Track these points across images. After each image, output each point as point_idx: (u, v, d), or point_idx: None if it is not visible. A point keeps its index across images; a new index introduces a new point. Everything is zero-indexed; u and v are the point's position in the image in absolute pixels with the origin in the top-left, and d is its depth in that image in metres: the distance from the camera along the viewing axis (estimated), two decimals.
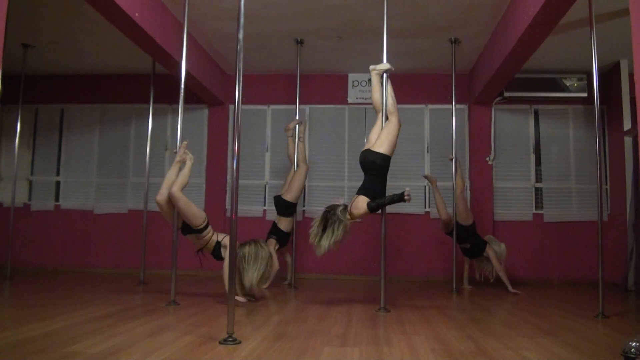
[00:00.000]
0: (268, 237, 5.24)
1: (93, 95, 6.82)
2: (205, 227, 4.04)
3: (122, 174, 6.69)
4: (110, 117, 6.82)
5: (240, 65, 2.80)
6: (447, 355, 2.41)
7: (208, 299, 4.26)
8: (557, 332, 3.05)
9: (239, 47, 2.81)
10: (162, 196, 3.99)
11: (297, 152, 5.42)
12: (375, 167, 3.88)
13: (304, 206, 6.34)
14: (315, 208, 6.35)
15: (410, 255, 6.23)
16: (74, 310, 3.46)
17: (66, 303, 3.83)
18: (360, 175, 4.02)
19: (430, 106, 6.47)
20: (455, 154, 5.43)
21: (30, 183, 6.86)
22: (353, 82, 6.56)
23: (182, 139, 4.15)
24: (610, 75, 6.08)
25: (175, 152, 4.14)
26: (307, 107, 6.50)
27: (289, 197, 5.26)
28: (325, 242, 3.70)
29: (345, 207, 3.85)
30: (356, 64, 6.18)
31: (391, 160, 3.94)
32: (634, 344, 2.18)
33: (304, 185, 5.67)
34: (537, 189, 6.34)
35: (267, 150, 6.56)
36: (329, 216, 3.77)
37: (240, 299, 3.89)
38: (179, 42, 4.36)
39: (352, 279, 6.12)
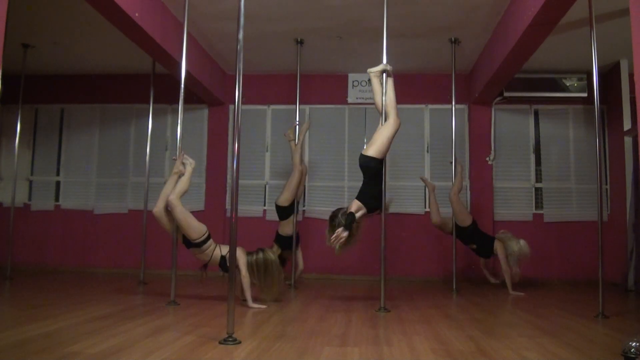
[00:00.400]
0: (273, 245, 5.27)
1: (93, 95, 6.83)
2: (205, 241, 3.90)
3: (122, 174, 6.70)
4: (110, 117, 6.82)
5: (240, 65, 2.80)
6: (447, 355, 2.41)
7: (208, 299, 4.26)
8: (557, 332, 3.05)
9: (239, 47, 2.81)
10: (158, 209, 3.87)
11: (292, 154, 5.40)
12: (368, 170, 3.93)
13: (304, 206, 6.34)
14: (315, 208, 6.36)
15: (410, 255, 6.23)
16: (74, 310, 3.46)
17: (66, 303, 3.83)
18: (360, 175, 4.03)
19: (430, 106, 6.47)
20: (456, 155, 5.43)
21: (30, 183, 6.86)
22: (353, 82, 6.56)
23: (182, 139, 4.13)
24: (610, 75, 6.08)
25: (175, 159, 4.02)
26: (307, 107, 6.51)
27: (281, 200, 5.26)
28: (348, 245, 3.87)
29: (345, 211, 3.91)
30: (356, 64, 6.18)
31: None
32: (634, 344, 2.18)
33: (303, 186, 5.62)
34: (537, 189, 6.34)
35: (267, 150, 6.56)
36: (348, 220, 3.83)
37: (257, 305, 3.82)
38: (179, 42, 4.36)
39: (352, 279, 6.12)
